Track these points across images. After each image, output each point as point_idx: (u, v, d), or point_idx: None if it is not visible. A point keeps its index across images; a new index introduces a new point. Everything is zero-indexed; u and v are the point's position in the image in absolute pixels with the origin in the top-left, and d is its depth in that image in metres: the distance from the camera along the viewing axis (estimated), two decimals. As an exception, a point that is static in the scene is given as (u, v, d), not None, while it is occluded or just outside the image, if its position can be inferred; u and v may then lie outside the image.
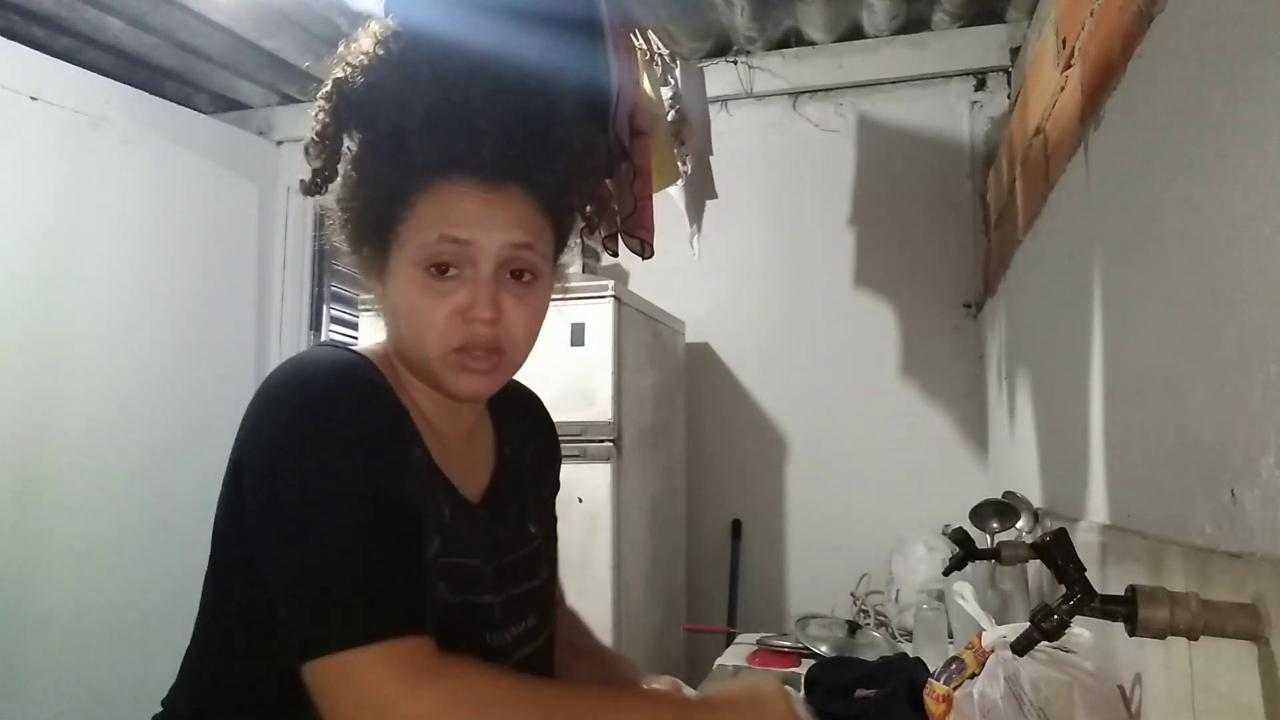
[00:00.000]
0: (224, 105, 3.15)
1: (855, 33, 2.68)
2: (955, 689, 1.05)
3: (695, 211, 2.19)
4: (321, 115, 0.79)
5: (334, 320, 3.26)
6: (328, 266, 3.19)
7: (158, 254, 2.56)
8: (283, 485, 0.69)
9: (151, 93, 2.68)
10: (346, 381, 0.73)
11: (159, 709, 0.82)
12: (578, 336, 2.11)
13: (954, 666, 1.08)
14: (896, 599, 2.04)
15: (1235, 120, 0.73)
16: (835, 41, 2.70)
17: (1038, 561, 1.30)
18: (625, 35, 1.72)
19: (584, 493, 2.06)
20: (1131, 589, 0.69)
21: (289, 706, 0.67)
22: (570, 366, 2.09)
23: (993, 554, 1.28)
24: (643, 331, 2.32)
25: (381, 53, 0.78)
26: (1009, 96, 2.56)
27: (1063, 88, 1.37)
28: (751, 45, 2.74)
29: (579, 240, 0.94)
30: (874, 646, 1.75)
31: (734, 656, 1.84)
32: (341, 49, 0.80)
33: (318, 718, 0.66)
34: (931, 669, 1.21)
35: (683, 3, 2.47)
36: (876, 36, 2.66)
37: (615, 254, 1.75)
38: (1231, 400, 0.72)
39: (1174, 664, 0.85)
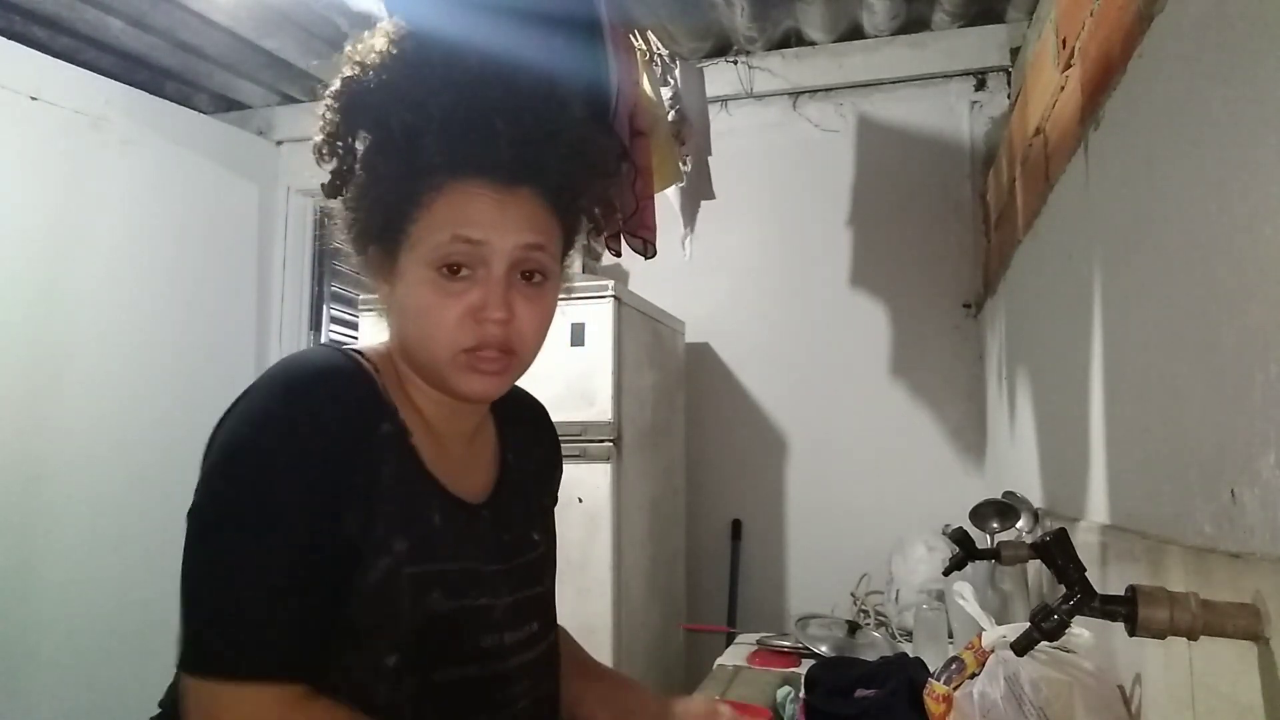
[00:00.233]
0: (224, 105, 3.15)
1: (855, 33, 2.68)
2: (955, 689, 1.05)
3: (689, 213, 2.19)
4: (331, 115, 0.79)
5: (334, 320, 3.26)
6: (328, 266, 3.20)
7: (158, 254, 2.56)
8: (210, 501, 0.70)
9: (151, 93, 2.68)
10: (309, 400, 0.72)
11: (157, 710, 0.82)
12: (578, 336, 2.11)
13: (954, 666, 1.08)
14: (896, 599, 2.04)
15: (1235, 120, 0.73)
16: (835, 41, 2.70)
17: (1038, 561, 1.30)
18: (625, 35, 1.72)
19: (584, 493, 2.06)
20: (1131, 589, 0.69)
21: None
22: (570, 366, 2.09)
23: (993, 554, 1.28)
24: (643, 331, 2.32)
25: (395, 52, 0.78)
26: (1009, 96, 2.56)
27: (1063, 88, 1.37)
28: (751, 45, 2.74)
29: (588, 241, 0.93)
30: (874, 646, 1.75)
31: (734, 656, 1.84)
32: (350, 48, 0.79)
33: (313, 712, 0.67)
34: (931, 669, 1.21)
35: (683, 3, 2.47)
36: (876, 36, 2.66)
37: (618, 254, 1.75)
38: (1231, 400, 0.72)
39: (1174, 664, 0.85)
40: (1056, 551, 0.76)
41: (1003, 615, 1.45)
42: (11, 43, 2.28)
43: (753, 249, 2.78)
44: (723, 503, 2.74)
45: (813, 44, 2.73)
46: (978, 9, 2.52)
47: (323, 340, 3.16)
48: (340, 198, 0.81)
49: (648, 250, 1.74)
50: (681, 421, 2.67)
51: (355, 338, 2.99)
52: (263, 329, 2.93)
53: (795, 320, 2.72)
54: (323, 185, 0.81)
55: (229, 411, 0.74)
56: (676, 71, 2.09)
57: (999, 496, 1.61)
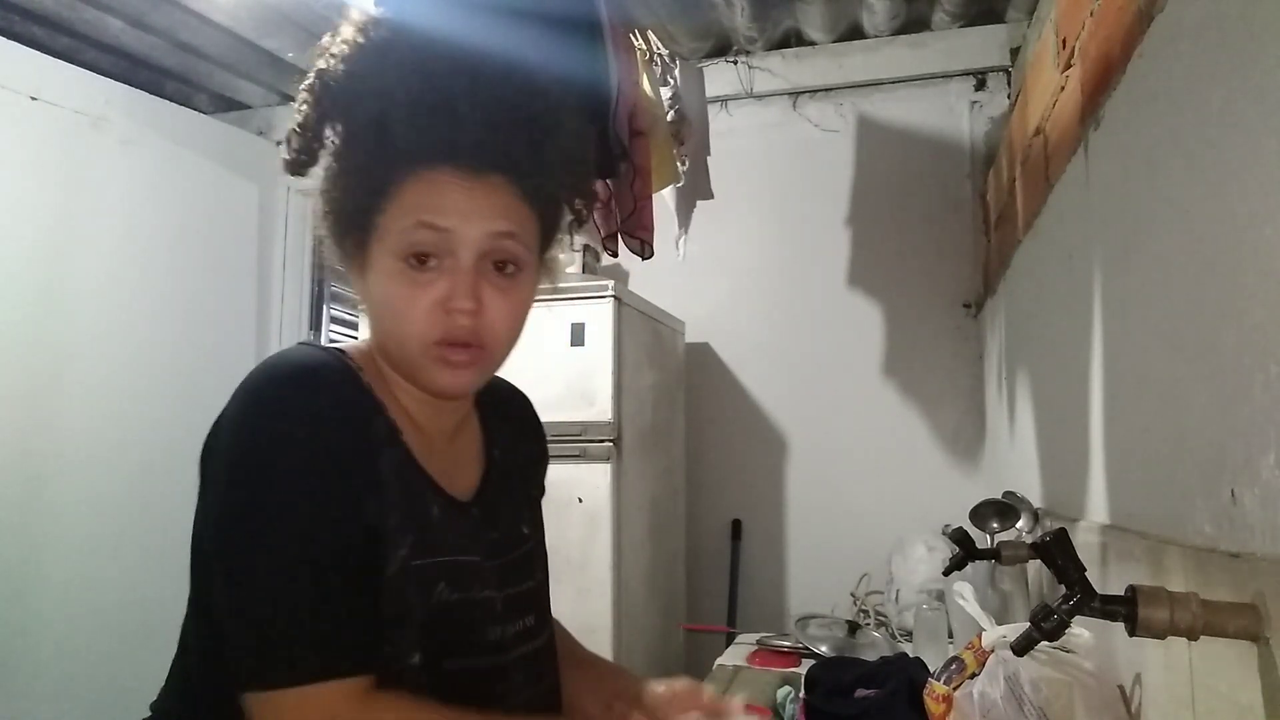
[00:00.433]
0: (224, 105, 3.15)
1: (855, 33, 2.68)
2: (955, 689, 1.05)
3: (684, 214, 2.19)
4: (304, 106, 0.77)
5: (334, 320, 3.26)
6: (328, 266, 3.19)
7: (158, 254, 2.56)
8: (236, 511, 0.69)
9: (151, 93, 2.67)
10: (306, 395, 0.71)
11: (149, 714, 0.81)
12: (578, 336, 2.11)
13: (954, 666, 1.08)
14: (896, 599, 2.04)
15: (1235, 120, 0.73)
16: (835, 41, 2.70)
17: (1038, 561, 1.30)
18: (625, 35, 1.72)
19: (584, 493, 2.06)
20: (1131, 589, 0.69)
21: None
22: (570, 366, 2.09)
23: (993, 554, 1.28)
24: (643, 331, 2.32)
25: (362, 41, 0.76)
26: (1009, 96, 2.56)
27: (1063, 88, 1.37)
28: (751, 45, 2.74)
29: (569, 234, 0.92)
30: (874, 646, 1.75)
31: (734, 656, 1.84)
32: (325, 40, 0.78)
33: None
34: (931, 669, 1.21)
35: (683, 3, 2.47)
36: (876, 36, 2.66)
37: (615, 254, 1.75)
38: (1231, 400, 0.72)
39: (1174, 664, 0.85)
40: (1056, 551, 0.76)
41: (1003, 615, 1.46)
42: (11, 43, 2.28)
43: (753, 249, 2.78)
44: (723, 503, 2.74)
45: (813, 44, 2.73)
46: (978, 9, 2.52)
47: (323, 340, 3.16)
48: (319, 190, 0.79)
49: (645, 251, 1.74)
50: (681, 421, 2.67)
51: (355, 338, 2.99)
52: (263, 329, 2.93)
53: (795, 320, 2.72)
54: (284, 160, 0.78)
55: (222, 418, 0.73)
56: (676, 71, 2.09)
57: (999, 496, 1.61)
